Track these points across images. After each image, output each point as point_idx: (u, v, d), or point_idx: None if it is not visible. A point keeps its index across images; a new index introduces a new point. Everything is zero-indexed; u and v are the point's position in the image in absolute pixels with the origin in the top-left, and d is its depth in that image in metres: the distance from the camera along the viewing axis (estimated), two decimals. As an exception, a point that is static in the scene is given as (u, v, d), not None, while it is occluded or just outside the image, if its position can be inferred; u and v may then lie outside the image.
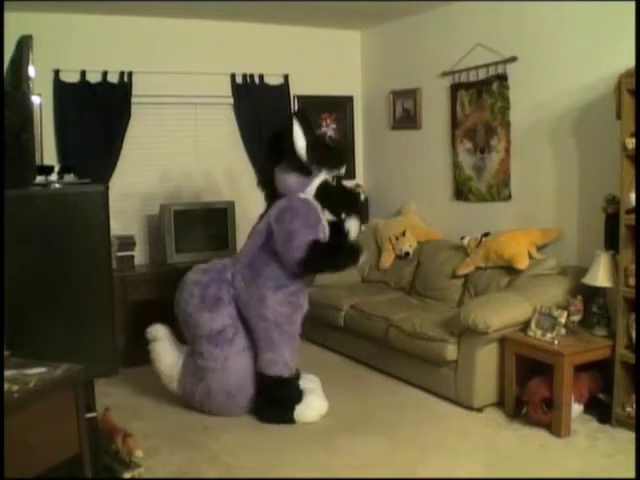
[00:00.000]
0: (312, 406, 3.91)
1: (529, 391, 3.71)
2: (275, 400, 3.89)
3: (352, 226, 4.04)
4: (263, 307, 3.84)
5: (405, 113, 5.72)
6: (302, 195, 3.89)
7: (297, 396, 3.93)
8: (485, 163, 4.93)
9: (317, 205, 3.90)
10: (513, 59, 4.59)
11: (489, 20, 4.77)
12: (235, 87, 5.60)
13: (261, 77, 5.67)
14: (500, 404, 3.96)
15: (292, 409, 3.88)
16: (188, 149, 5.55)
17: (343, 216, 4.00)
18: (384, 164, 6.05)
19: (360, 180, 6.27)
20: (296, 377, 3.99)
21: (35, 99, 4.43)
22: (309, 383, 4.10)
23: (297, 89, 5.81)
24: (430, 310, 4.54)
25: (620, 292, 3.60)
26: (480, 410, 3.95)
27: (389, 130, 5.94)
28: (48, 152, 4.83)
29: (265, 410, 3.92)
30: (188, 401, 4.04)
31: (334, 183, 3.97)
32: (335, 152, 4.03)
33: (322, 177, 3.89)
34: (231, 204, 5.37)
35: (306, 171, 3.81)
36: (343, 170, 3.99)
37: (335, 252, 3.82)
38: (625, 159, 3.51)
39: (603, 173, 3.98)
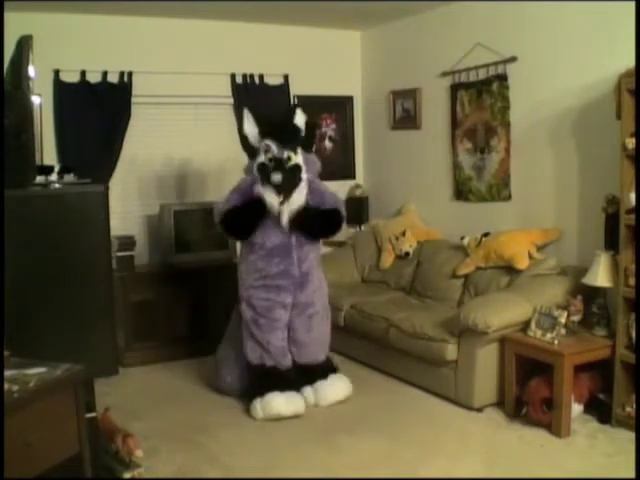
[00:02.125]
0: (268, 403, 3.89)
1: (529, 391, 3.71)
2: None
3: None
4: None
5: (405, 113, 5.72)
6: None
7: (258, 390, 3.97)
8: (485, 163, 4.93)
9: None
10: (513, 59, 4.59)
11: (489, 20, 4.77)
12: (235, 87, 5.60)
13: (261, 77, 5.67)
14: (500, 404, 3.96)
15: (252, 400, 3.98)
16: (188, 149, 5.55)
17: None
18: (384, 164, 6.05)
19: (360, 180, 6.27)
20: (262, 370, 4.01)
21: (35, 99, 4.42)
22: (324, 388, 4.12)
23: (297, 89, 5.80)
24: (430, 310, 4.53)
25: (620, 292, 3.60)
26: (480, 410, 3.95)
27: (389, 130, 5.94)
28: (48, 152, 4.82)
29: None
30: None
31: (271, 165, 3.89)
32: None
33: (260, 158, 3.94)
34: (231, 204, 5.36)
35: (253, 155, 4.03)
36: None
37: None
38: (625, 159, 3.51)
39: (603, 173, 3.98)
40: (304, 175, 3.95)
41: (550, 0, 4.28)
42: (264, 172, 3.90)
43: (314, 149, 4.16)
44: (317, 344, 4.17)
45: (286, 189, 3.88)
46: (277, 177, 3.84)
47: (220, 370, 4.28)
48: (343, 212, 4.14)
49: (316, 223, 4.05)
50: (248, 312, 4.04)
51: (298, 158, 3.94)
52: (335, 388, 4.14)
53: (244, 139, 4.05)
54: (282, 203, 3.89)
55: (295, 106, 4.04)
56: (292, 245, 4.00)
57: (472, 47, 4.87)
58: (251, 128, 4.01)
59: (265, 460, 3.45)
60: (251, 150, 4.05)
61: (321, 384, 4.12)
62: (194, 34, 5.38)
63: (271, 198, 3.89)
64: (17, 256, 4.07)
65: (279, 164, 3.88)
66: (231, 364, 4.21)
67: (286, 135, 3.95)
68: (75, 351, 3.99)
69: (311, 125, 4.08)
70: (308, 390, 4.10)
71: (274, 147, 3.90)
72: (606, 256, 3.74)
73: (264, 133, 3.95)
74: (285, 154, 3.90)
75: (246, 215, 3.99)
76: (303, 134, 3.99)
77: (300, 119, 3.98)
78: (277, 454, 3.51)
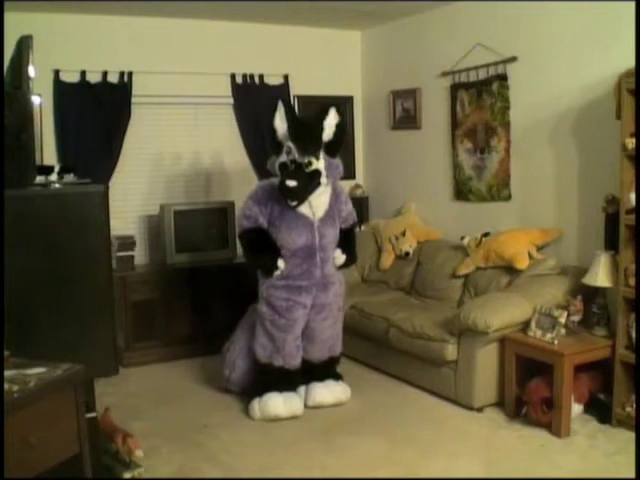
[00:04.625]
0: (265, 404, 3.91)
1: (529, 391, 3.71)
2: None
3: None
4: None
5: (405, 113, 5.72)
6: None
7: (259, 389, 3.98)
8: (485, 163, 4.93)
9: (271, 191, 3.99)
10: (513, 59, 4.59)
11: (489, 20, 4.77)
12: (235, 87, 5.60)
13: (261, 77, 5.67)
14: (500, 404, 3.96)
15: (251, 400, 3.99)
16: (188, 149, 5.55)
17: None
18: (384, 164, 6.05)
19: (360, 180, 6.27)
20: (270, 370, 4.00)
21: (35, 99, 4.43)
22: (315, 389, 4.10)
23: (297, 89, 5.81)
24: (430, 310, 4.53)
25: (620, 292, 3.60)
26: (480, 410, 3.95)
27: (389, 130, 5.94)
28: (48, 152, 4.82)
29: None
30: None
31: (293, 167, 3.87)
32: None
33: (282, 158, 3.92)
34: (231, 204, 5.36)
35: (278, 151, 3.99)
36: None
37: (254, 252, 4.06)
38: (625, 159, 3.51)
39: (603, 173, 3.98)
40: (324, 179, 3.91)
41: (550, 0, 4.28)
42: (283, 173, 3.89)
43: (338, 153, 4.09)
44: (326, 344, 4.16)
45: (299, 196, 3.87)
46: (291, 183, 3.81)
47: (227, 366, 4.26)
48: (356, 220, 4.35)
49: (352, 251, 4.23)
50: (267, 311, 4.01)
51: (319, 163, 3.88)
52: (326, 391, 4.10)
53: (272, 132, 3.98)
54: (296, 207, 3.90)
55: (330, 106, 3.93)
56: (316, 246, 3.97)
57: (472, 47, 4.86)
58: (281, 123, 3.95)
59: (265, 460, 3.45)
60: (277, 145, 3.98)
61: (314, 385, 4.11)
62: (194, 34, 5.38)
63: (305, 209, 3.94)
64: (17, 256, 4.08)
65: (298, 168, 3.85)
66: (239, 361, 4.20)
67: (309, 141, 3.89)
68: (75, 351, 3.99)
69: (341, 128, 3.98)
70: (302, 389, 4.11)
71: (295, 151, 3.85)
72: (606, 256, 3.74)
73: (290, 133, 3.90)
74: (306, 159, 3.85)
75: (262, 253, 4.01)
76: (331, 137, 3.91)
77: (332, 120, 3.91)
78: (277, 454, 3.51)
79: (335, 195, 4.09)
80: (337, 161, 4.02)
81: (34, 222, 4.29)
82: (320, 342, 4.12)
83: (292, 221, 3.93)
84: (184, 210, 5.27)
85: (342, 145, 4.05)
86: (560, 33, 4.26)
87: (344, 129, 4.01)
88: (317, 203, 3.97)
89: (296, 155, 3.85)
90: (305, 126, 4.00)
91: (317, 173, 3.88)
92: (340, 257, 4.10)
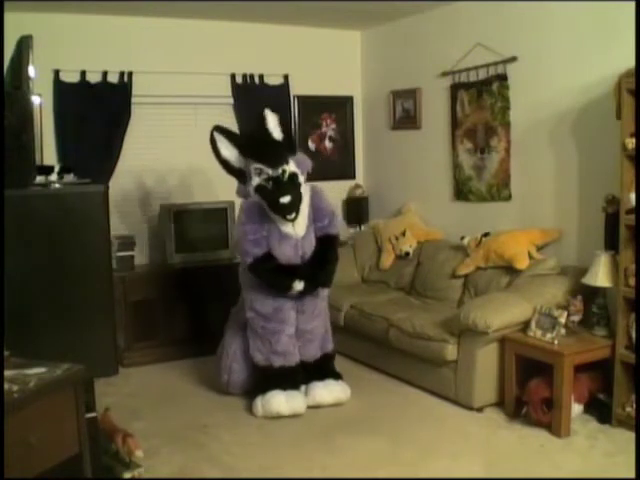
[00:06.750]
0: (268, 401, 3.92)
1: (529, 391, 3.71)
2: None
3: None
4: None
5: (405, 113, 5.72)
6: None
7: (262, 388, 3.99)
8: (485, 163, 4.93)
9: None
10: (513, 59, 4.59)
11: (489, 20, 4.77)
12: (235, 87, 5.60)
13: (261, 77, 5.67)
14: (500, 404, 3.96)
15: (254, 398, 4.00)
16: (188, 149, 5.54)
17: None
18: (384, 164, 6.05)
19: (360, 180, 6.27)
20: (271, 371, 4.01)
21: (35, 99, 4.43)
22: (315, 389, 4.10)
23: (297, 89, 5.81)
24: (430, 310, 4.53)
25: (620, 292, 3.60)
26: (480, 410, 3.95)
27: (389, 130, 5.94)
28: (48, 152, 4.82)
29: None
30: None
31: (270, 185, 3.80)
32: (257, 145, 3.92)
33: (255, 181, 3.85)
34: (231, 204, 5.35)
35: (242, 177, 3.93)
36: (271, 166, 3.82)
37: (273, 275, 3.91)
38: (625, 159, 3.51)
39: (603, 173, 3.98)
40: (301, 178, 3.94)
41: (551, 0, 4.28)
42: (265, 193, 3.83)
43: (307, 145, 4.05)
44: (316, 342, 4.17)
45: (295, 207, 3.85)
46: (286, 199, 3.77)
47: (224, 372, 4.24)
48: (337, 231, 4.15)
49: (323, 275, 4.03)
50: (255, 317, 4.02)
51: (291, 166, 3.89)
52: (325, 391, 4.10)
53: (225, 164, 3.93)
54: (294, 220, 3.87)
55: (263, 111, 3.86)
56: (305, 258, 3.98)
57: (472, 47, 4.87)
58: (229, 151, 3.93)
59: (265, 460, 3.45)
60: (238, 172, 3.94)
61: (314, 384, 4.11)
62: (194, 34, 5.38)
63: (289, 229, 3.91)
64: (17, 256, 4.08)
65: (278, 182, 3.81)
66: (235, 365, 4.19)
67: (272, 152, 3.84)
68: (75, 351, 3.99)
69: (285, 124, 3.96)
70: (302, 388, 4.11)
71: (266, 168, 3.81)
72: (606, 256, 3.74)
73: (249, 155, 3.86)
74: (279, 169, 3.82)
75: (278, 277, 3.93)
76: (282, 135, 3.89)
77: (273, 121, 3.88)
78: (277, 454, 3.51)
79: (313, 210, 4.02)
80: (302, 156, 4.03)
81: (34, 222, 4.30)
82: (310, 342, 4.14)
83: (278, 238, 3.93)
84: (184, 210, 5.27)
85: (295, 138, 4.01)
86: (560, 33, 4.26)
87: (288, 123, 3.99)
88: (299, 218, 3.93)
89: (269, 172, 3.83)
90: (259, 141, 3.92)
91: (295, 176, 3.88)
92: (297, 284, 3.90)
